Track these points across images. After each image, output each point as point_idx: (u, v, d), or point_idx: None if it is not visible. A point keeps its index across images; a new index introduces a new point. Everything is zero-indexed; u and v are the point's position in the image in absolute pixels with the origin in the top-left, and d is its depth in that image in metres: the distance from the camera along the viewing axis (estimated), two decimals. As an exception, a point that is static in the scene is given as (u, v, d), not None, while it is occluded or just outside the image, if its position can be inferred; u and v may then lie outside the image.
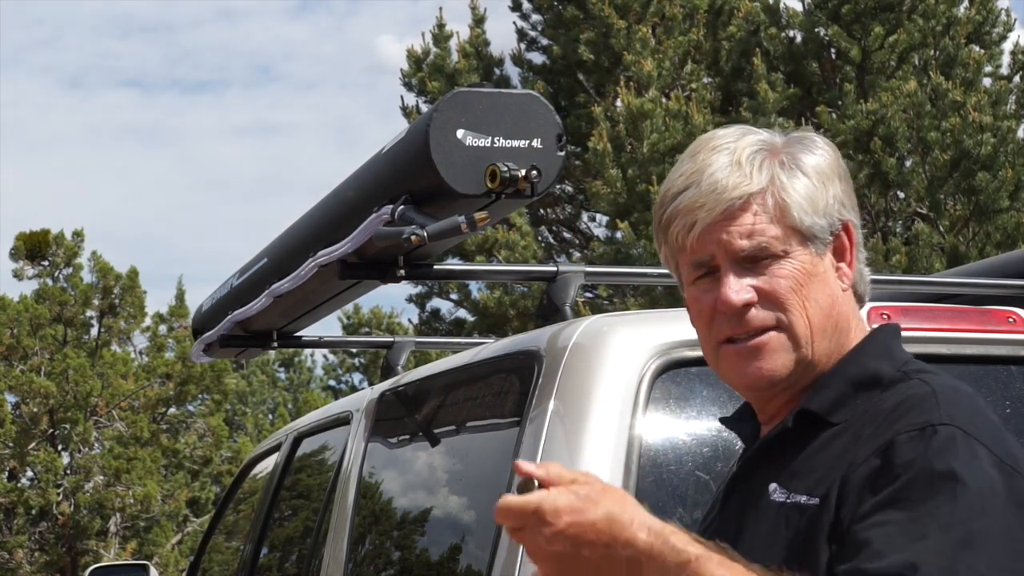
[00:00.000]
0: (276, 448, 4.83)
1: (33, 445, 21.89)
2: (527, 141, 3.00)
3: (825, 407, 1.82)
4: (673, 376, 2.68)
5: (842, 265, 1.89)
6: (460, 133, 2.97)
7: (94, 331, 22.74)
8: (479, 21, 16.44)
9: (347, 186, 3.47)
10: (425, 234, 2.89)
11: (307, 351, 35.11)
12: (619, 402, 2.62)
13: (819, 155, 1.88)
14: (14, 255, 22.46)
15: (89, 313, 22.56)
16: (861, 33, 13.77)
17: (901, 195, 13.75)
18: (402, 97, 16.50)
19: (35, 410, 21.67)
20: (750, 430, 1.97)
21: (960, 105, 12.76)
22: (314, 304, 3.85)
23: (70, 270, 22.61)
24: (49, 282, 22.41)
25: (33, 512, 22.09)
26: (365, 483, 3.65)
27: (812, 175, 1.86)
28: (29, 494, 21.83)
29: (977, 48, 14.12)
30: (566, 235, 16.88)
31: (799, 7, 14.46)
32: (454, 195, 2.98)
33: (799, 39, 14.53)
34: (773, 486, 1.81)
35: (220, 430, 23.75)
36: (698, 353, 2.09)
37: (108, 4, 66.70)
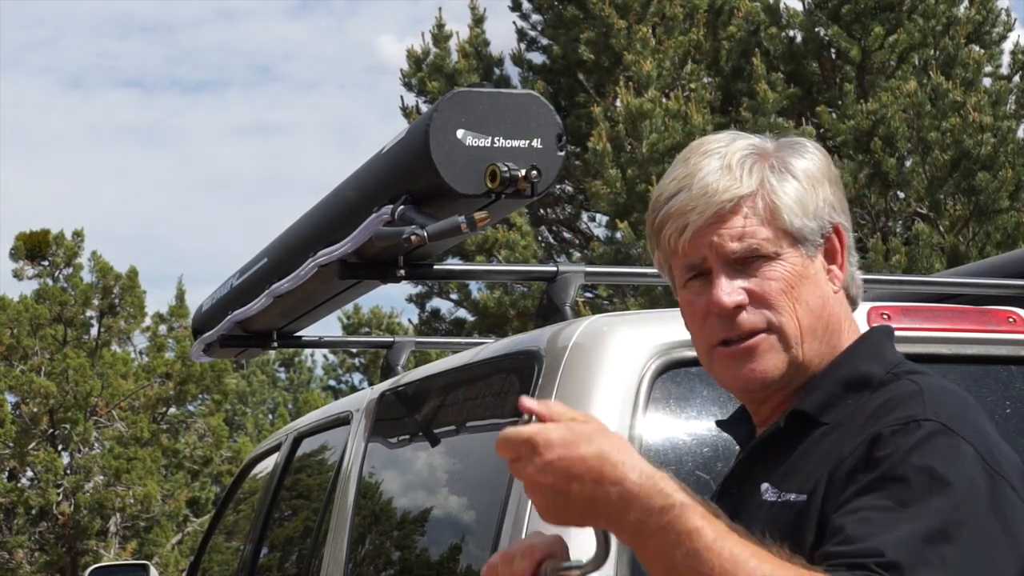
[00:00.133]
0: (276, 448, 4.83)
1: (33, 445, 21.90)
2: (527, 141, 3.01)
3: (816, 407, 1.85)
4: (673, 376, 2.68)
5: (833, 267, 1.91)
6: (460, 133, 2.97)
7: (94, 331, 22.75)
8: (479, 21, 16.44)
9: (347, 186, 3.47)
10: (425, 234, 2.89)
11: (307, 351, 35.11)
12: (619, 402, 2.62)
13: (809, 159, 1.90)
14: (14, 255, 22.47)
15: (89, 313, 22.56)
16: (861, 33, 13.77)
17: (901, 195, 13.75)
18: (402, 97, 16.52)
19: (35, 410, 21.67)
20: (745, 432, 1.99)
21: (960, 105, 12.76)
22: (314, 304, 3.85)
23: (70, 270, 22.62)
24: (49, 282, 22.41)
25: (33, 512, 22.09)
26: (365, 483, 3.65)
27: (802, 178, 1.88)
28: (29, 494, 21.83)
29: (977, 48, 14.12)
30: (566, 235, 16.88)
31: (799, 7, 14.47)
32: (454, 195, 2.98)
33: (799, 39, 14.53)
34: (765, 486, 1.83)
35: (220, 430, 23.75)
36: (697, 353, 2.10)
37: (108, 4, 66.76)
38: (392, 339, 4.45)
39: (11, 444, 21.73)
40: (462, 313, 16.34)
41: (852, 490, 1.70)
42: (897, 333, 2.54)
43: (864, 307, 2.79)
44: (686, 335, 1.96)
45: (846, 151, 13.27)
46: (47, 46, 64.86)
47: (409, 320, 18.66)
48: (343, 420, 4.04)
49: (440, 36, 16.39)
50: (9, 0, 52.93)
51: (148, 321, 23.10)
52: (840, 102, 13.75)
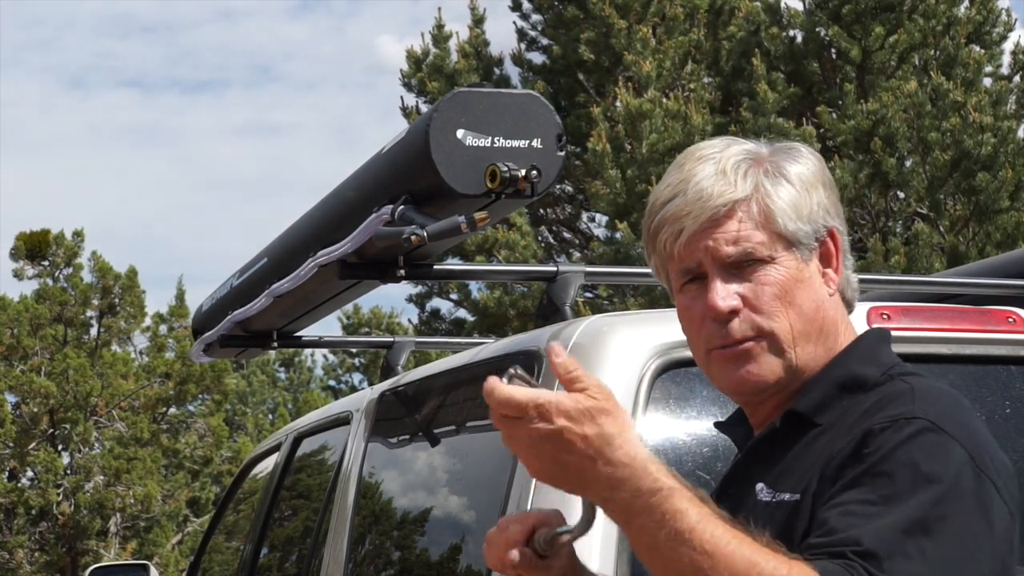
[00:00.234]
0: (276, 448, 4.83)
1: (33, 445, 21.90)
2: (527, 141, 3.01)
3: (811, 408, 1.87)
4: (673, 376, 2.69)
5: (828, 271, 1.93)
6: (460, 133, 2.97)
7: (94, 331, 22.75)
8: (478, 21, 16.44)
9: (347, 186, 3.47)
10: (425, 234, 2.89)
11: (307, 351, 35.11)
12: (619, 402, 2.62)
13: (803, 164, 1.92)
14: (14, 255, 22.47)
15: (89, 313, 22.56)
16: (861, 33, 13.77)
17: (901, 195, 13.75)
18: (402, 97, 16.52)
19: (35, 410, 21.67)
20: (742, 434, 2.01)
21: (960, 105, 12.76)
22: (314, 304, 3.85)
23: (70, 270, 22.61)
24: (49, 282, 22.41)
25: (33, 512, 22.09)
26: (365, 483, 3.65)
27: (796, 183, 1.90)
28: (29, 494, 21.83)
29: (977, 48, 14.12)
30: (566, 235, 16.88)
31: (800, 7, 14.47)
32: (454, 195, 2.98)
33: (799, 39, 14.53)
34: (760, 486, 1.86)
35: (220, 430, 23.75)
36: (697, 353, 2.10)
37: (108, 4, 66.77)
38: (392, 339, 4.45)
39: (11, 444, 21.73)
40: (462, 313, 16.34)
41: (840, 484, 1.72)
42: (898, 333, 2.55)
43: (864, 307, 2.79)
44: (685, 335, 1.97)
45: (846, 151, 13.28)
46: (47, 46, 64.84)
47: (409, 320, 18.68)
48: (343, 420, 4.04)
49: (440, 36, 16.39)
50: (9, 0, 52.94)
51: (148, 321, 23.11)
52: (840, 102, 13.75)
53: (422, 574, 3.26)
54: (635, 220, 13.20)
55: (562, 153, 3.05)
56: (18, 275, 22.53)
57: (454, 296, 16.17)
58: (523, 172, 2.95)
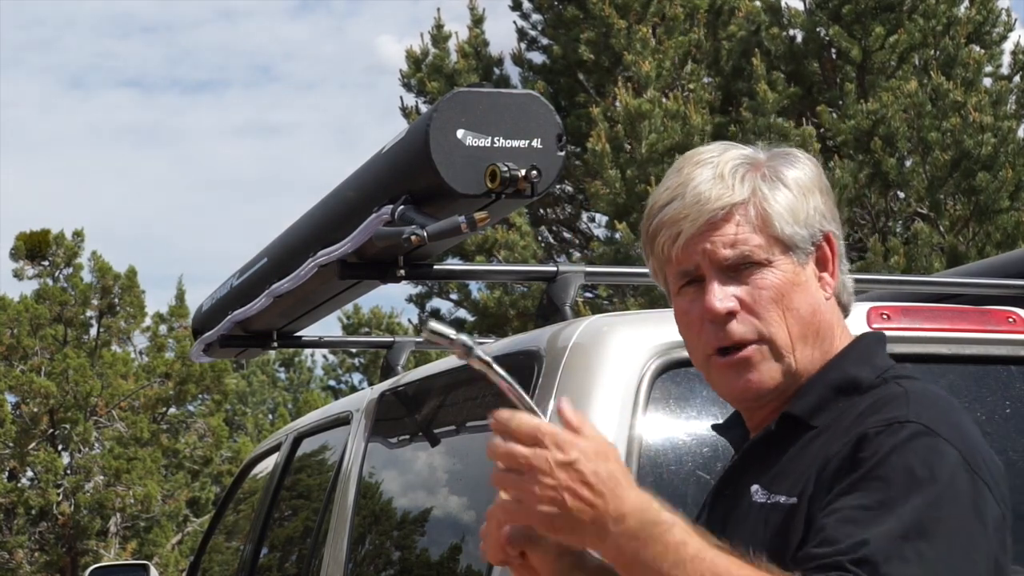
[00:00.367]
0: (276, 448, 4.83)
1: (33, 445, 21.89)
2: (527, 141, 3.01)
3: (806, 411, 1.88)
4: (673, 376, 2.69)
5: (824, 275, 1.94)
6: (460, 133, 2.97)
7: (94, 331, 22.75)
8: (478, 21, 16.44)
9: (347, 186, 3.47)
10: (425, 234, 2.89)
11: (307, 351, 35.11)
12: (619, 402, 2.63)
13: (800, 169, 1.94)
14: (14, 255, 22.47)
15: (89, 313, 22.56)
16: (862, 33, 13.77)
17: (901, 195, 13.75)
18: (402, 97, 16.51)
19: (35, 410, 21.67)
20: (740, 436, 2.03)
21: (960, 105, 12.76)
22: (314, 304, 3.85)
23: (70, 270, 22.61)
24: (49, 282, 22.41)
25: (33, 512, 22.09)
26: (365, 483, 3.65)
27: (793, 187, 1.92)
28: (29, 494, 21.83)
29: (977, 48, 14.12)
30: (566, 235, 16.87)
31: (800, 6, 14.47)
32: (454, 195, 2.98)
33: (800, 39, 14.53)
34: (755, 488, 1.87)
35: (220, 430, 23.74)
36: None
37: (108, 4, 66.77)
38: (392, 339, 4.45)
39: (11, 444, 21.73)
40: (462, 313, 16.33)
41: (836, 490, 1.74)
42: (898, 333, 2.54)
43: (864, 307, 2.79)
44: (685, 336, 1.97)
45: (846, 151, 13.27)
46: (47, 46, 64.88)
47: (409, 320, 18.68)
48: (343, 420, 4.04)
49: (439, 36, 16.38)
50: (9, 0, 52.94)
51: (148, 321, 23.11)
52: (840, 102, 13.75)
53: (422, 574, 3.26)
54: (635, 220, 13.20)
55: (562, 153, 3.05)
56: (18, 275, 22.54)
57: (454, 296, 16.17)
58: (523, 172, 2.95)
